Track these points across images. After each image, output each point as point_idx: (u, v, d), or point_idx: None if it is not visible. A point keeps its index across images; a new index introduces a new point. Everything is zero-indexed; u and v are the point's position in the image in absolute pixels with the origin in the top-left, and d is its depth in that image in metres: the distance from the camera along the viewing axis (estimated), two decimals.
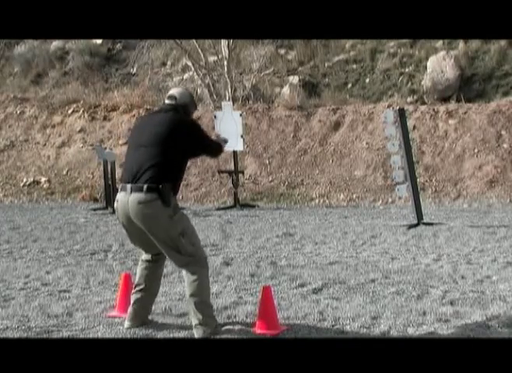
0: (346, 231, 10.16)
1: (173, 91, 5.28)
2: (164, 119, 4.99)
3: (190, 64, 18.59)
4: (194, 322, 4.89)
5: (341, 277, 6.95)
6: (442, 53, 17.12)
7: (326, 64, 18.47)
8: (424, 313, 5.49)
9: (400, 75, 17.56)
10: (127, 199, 4.87)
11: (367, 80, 17.84)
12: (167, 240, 4.86)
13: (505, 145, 14.73)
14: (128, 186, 4.88)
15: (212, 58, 18.58)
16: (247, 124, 15.99)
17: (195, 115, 5.84)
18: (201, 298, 4.86)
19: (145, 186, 4.81)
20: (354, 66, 18.26)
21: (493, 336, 4.86)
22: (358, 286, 6.50)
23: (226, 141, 5.52)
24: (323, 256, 8.21)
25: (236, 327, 5.16)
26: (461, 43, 17.37)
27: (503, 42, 17.01)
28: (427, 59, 17.26)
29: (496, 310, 5.54)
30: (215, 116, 13.95)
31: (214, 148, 5.31)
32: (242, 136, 13.52)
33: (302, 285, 6.59)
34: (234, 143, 13.37)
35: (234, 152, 13.60)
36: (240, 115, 13.74)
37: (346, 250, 8.58)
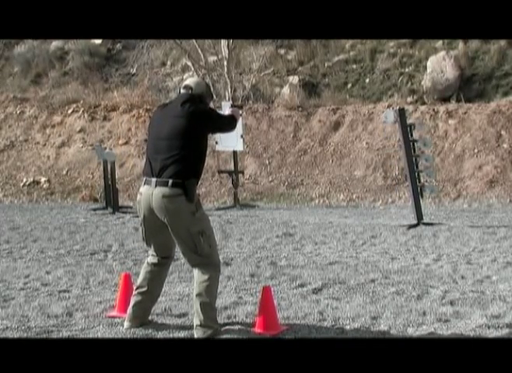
0: (346, 231, 10.16)
1: (189, 81, 5.17)
2: (183, 111, 4.91)
3: (190, 64, 18.59)
4: (196, 322, 4.88)
5: (341, 277, 6.94)
6: (442, 53, 17.12)
7: (326, 64, 18.47)
8: (424, 313, 5.48)
9: (400, 75, 17.55)
10: (151, 192, 4.86)
11: (367, 80, 17.84)
12: (187, 237, 4.84)
13: (505, 145, 14.73)
14: (153, 180, 4.86)
15: (211, 58, 18.58)
16: (247, 124, 15.98)
17: None
18: (207, 299, 4.84)
19: (171, 181, 4.79)
20: (354, 66, 18.26)
21: (493, 336, 4.86)
22: (358, 286, 6.50)
23: (239, 109, 5.56)
24: (323, 256, 8.21)
25: (236, 327, 5.16)
26: (460, 43, 17.37)
27: (502, 42, 17.01)
28: (427, 59, 17.26)
29: (495, 310, 5.54)
30: None
31: (230, 124, 5.25)
32: (242, 136, 13.52)
33: (302, 285, 6.58)
34: (234, 143, 13.37)
35: (234, 152, 13.60)
36: (240, 115, 13.73)
37: (346, 250, 8.57)
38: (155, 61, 20.02)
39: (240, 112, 5.59)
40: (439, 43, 17.76)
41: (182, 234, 4.86)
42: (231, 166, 14.07)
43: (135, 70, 20.04)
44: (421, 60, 17.54)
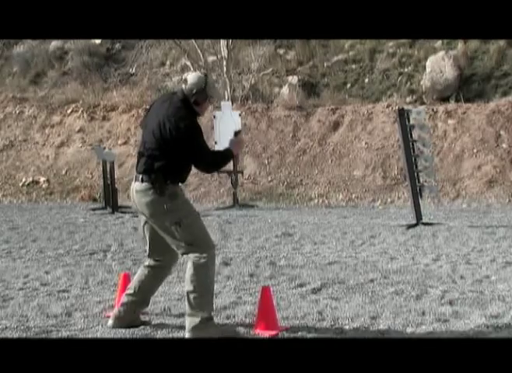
0: (345, 231, 10.16)
1: (188, 74, 5.00)
2: (164, 107, 4.88)
3: (189, 64, 18.59)
4: (186, 312, 4.90)
5: (341, 277, 6.95)
6: (441, 53, 17.12)
7: (325, 64, 18.46)
8: (423, 313, 5.49)
9: (399, 75, 17.55)
10: (132, 187, 5.04)
11: (366, 80, 17.84)
12: (164, 229, 4.89)
13: (504, 145, 14.73)
14: (135, 175, 5.00)
15: (211, 58, 18.58)
16: (246, 124, 15.98)
17: None
18: (191, 287, 4.81)
19: (140, 176, 4.91)
20: (353, 66, 18.26)
21: (492, 336, 4.86)
22: (357, 286, 6.50)
23: (238, 141, 5.23)
24: (322, 256, 8.21)
25: (236, 327, 5.16)
26: (460, 43, 17.37)
27: (502, 42, 17.01)
28: (426, 59, 17.26)
29: (495, 310, 5.54)
30: (214, 116, 13.95)
31: (207, 160, 4.99)
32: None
33: (301, 285, 6.58)
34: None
35: None
36: (240, 115, 13.74)
37: (345, 250, 8.58)
38: (154, 60, 20.01)
39: (239, 140, 5.31)
40: (438, 43, 17.76)
41: (160, 226, 4.91)
42: (230, 166, 14.05)
43: (134, 70, 20.03)
44: (420, 60, 17.54)
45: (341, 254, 8.31)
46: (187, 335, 4.84)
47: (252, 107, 16.87)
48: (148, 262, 5.21)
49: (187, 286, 4.85)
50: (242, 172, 14.42)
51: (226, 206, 13.69)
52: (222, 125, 13.34)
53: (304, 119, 16.31)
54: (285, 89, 17.94)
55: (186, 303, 4.87)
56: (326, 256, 8.20)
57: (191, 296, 4.83)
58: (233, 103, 15.65)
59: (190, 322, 4.84)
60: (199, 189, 15.14)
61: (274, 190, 15.00)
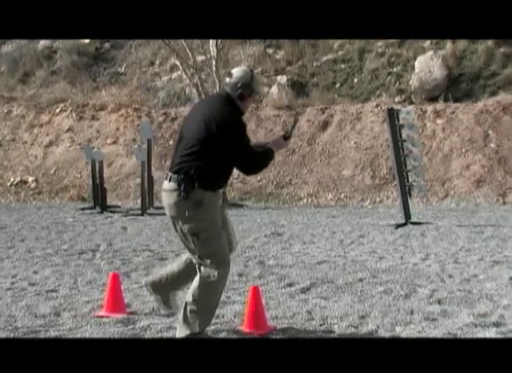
0: (334, 230, 10.18)
1: (235, 69, 4.85)
2: (208, 106, 4.75)
3: (178, 63, 18.56)
4: (178, 319, 4.82)
5: (330, 276, 6.96)
6: (430, 53, 17.18)
7: (314, 64, 18.49)
8: (412, 312, 5.50)
9: (388, 75, 17.60)
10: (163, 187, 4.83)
11: (355, 80, 17.87)
12: (181, 233, 4.72)
13: (492, 145, 14.80)
14: (166, 173, 4.82)
15: (200, 58, 18.55)
16: None
17: None
18: (193, 301, 4.70)
19: (169, 175, 4.70)
20: (342, 66, 18.29)
21: (480, 335, 4.88)
22: (346, 285, 6.51)
23: (286, 142, 4.90)
24: (311, 255, 8.22)
25: (225, 327, 5.16)
26: (448, 43, 17.43)
27: (490, 42, 17.08)
28: (415, 59, 17.32)
29: (482, 309, 5.56)
30: None
31: (250, 160, 4.75)
32: None
33: (290, 285, 6.59)
34: None
35: None
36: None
37: (334, 249, 8.59)
38: (143, 60, 19.98)
39: (287, 144, 4.99)
40: (427, 43, 17.82)
41: (177, 229, 4.74)
42: None
43: (123, 69, 19.99)
44: (409, 60, 17.60)
45: (330, 253, 8.32)
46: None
47: None
48: (185, 256, 5.05)
49: (188, 296, 4.73)
50: None
51: None
52: None
53: (293, 118, 16.32)
54: (274, 89, 17.96)
55: (181, 311, 4.77)
56: (315, 255, 8.21)
57: (188, 308, 4.73)
58: None
59: (179, 332, 4.78)
60: None
61: (263, 190, 15.00)
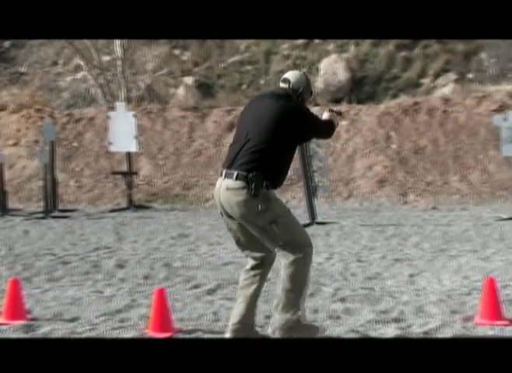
0: None
1: (288, 74, 4.92)
2: (275, 105, 4.69)
3: (82, 63, 18.25)
4: (278, 309, 4.73)
5: (236, 277, 6.95)
6: (334, 56, 17.53)
7: (221, 65, 18.54)
8: (316, 311, 5.59)
9: None
10: (220, 184, 4.70)
11: (262, 81, 18.03)
12: (259, 230, 4.67)
13: (393, 146, 15.21)
14: (224, 171, 4.68)
15: (105, 58, 18.31)
16: (142, 125, 15.81)
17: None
18: (292, 286, 4.68)
19: (236, 173, 4.59)
20: (248, 67, 18.42)
21: (381, 331, 5.01)
22: None
23: (339, 116, 5.11)
24: (217, 256, 8.23)
25: (130, 330, 5.10)
26: (352, 46, 17.83)
27: (391, 46, 17.58)
28: (320, 61, 17.63)
29: (384, 306, 5.71)
30: (108, 117, 13.75)
31: (326, 130, 4.98)
32: (136, 137, 13.38)
33: (196, 286, 6.58)
34: (128, 144, 13.25)
35: (128, 153, 13.44)
36: (135, 116, 13.59)
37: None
38: (46, 59, 19.53)
39: (339, 118, 5.19)
40: (331, 45, 18.17)
41: (253, 227, 4.69)
42: (125, 167, 13.90)
43: (24, 69, 19.47)
44: (314, 62, 17.90)
45: (236, 254, 8.33)
46: (277, 333, 4.70)
47: (147, 108, 16.71)
48: (248, 265, 5.02)
49: (286, 284, 4.68)
50: (137, 174, 14.27)
51: (121, 208, 13.50)
52: (117, 126, 13.17)
53: (200, 120, 16.31)
54: (180, 90, 17.90)
55: (283, 300, 4.70)
56: (222, 256, 8.23)
57: (290, 295, 4.68)
58: (128, 104, 15.47)
59: (286, 320, 4.69)
60: (93, 190, 14.86)
61: (169, 191, 14.91)
